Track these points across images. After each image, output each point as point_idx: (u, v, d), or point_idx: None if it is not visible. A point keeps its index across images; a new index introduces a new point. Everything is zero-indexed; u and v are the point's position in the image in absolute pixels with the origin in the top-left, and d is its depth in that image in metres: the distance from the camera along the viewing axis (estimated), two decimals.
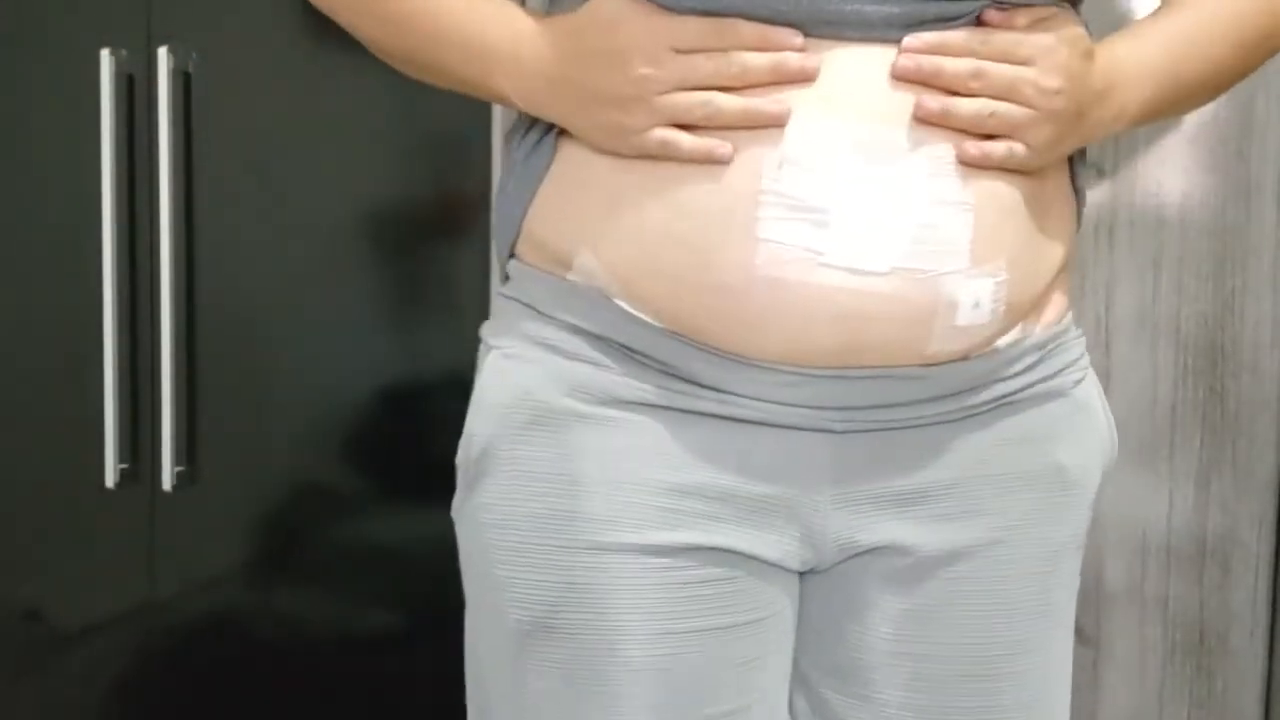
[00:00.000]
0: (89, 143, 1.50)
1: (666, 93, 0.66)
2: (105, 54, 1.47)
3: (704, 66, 0.65)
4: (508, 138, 0.79)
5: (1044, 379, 0.76)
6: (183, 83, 1.49)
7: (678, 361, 0.70)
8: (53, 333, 1.56)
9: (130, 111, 1.50)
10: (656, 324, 0.70)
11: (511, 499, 0.72)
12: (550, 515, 0.71)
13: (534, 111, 0.73)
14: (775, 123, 0.66)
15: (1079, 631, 1.41)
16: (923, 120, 0.66)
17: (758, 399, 0.70)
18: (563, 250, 0.72)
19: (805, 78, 0.66)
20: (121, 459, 1.52)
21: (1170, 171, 1.35)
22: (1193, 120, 1.34)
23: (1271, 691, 1.37)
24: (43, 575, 1.58)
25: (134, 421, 1.53)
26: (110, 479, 1.52)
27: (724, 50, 0.65)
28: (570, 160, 0.73)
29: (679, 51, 0.66)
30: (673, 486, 0.70)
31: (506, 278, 0.78)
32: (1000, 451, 0.75)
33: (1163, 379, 1.36)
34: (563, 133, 0.73)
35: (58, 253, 1.54)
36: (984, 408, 0.74)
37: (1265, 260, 1.34)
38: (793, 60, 0.65)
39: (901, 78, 0.66)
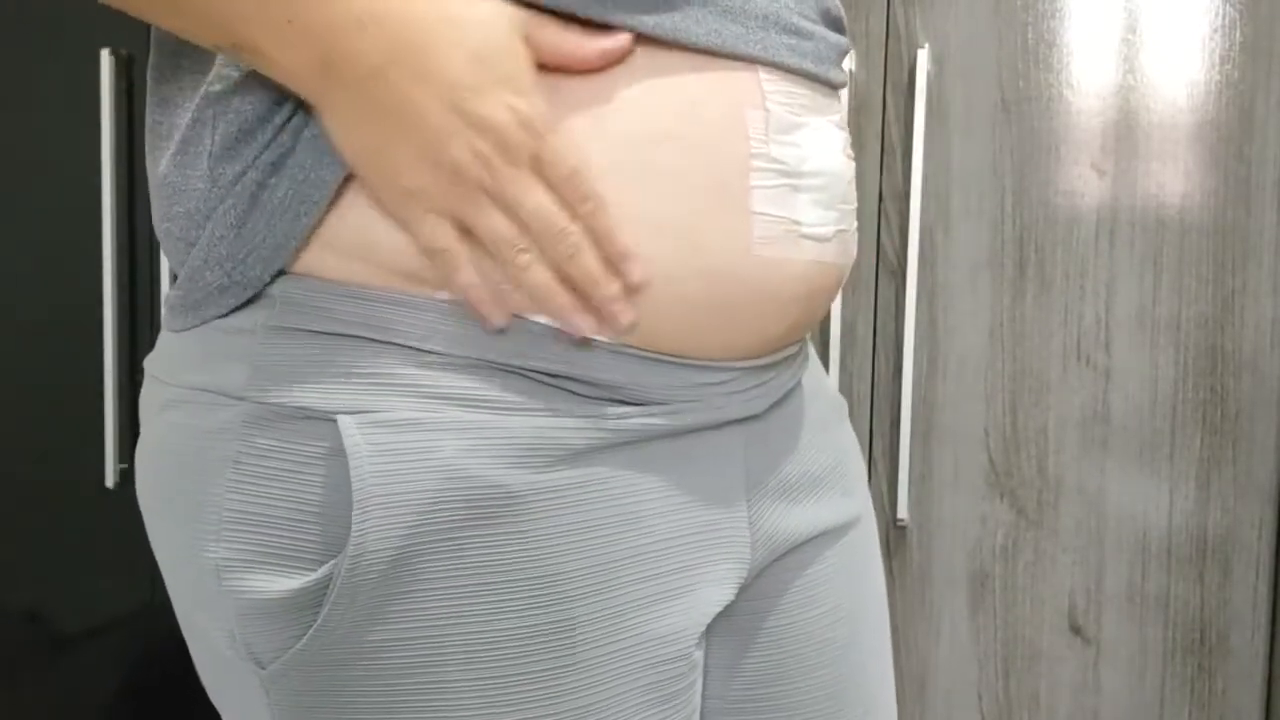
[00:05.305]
0: (89, 143, 1.50)
1: (499, 183, 0.50)
2: (105, 54, 1.47)
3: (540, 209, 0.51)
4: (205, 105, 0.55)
5: None
6: None
7: (625, 380, 0.55)
8: (53, 333, 1.56)
9: (130, 111, 1.50)
10: (598, 338, 0.54)
11: (455, 621, 0.51)
12: (529, 635, 0.51)
13: (294, 83, 0.51)
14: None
15: (1079, 631, 1.41)
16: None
17: (697, 400, 0.58)
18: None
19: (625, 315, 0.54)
20: (121, 459, 1.52)
21: (1170, 171, 1.35)
22: (1193, 120, 1.34)
23: (1271, 691, 1.37)
24: (43, 576, 1.58)
25: (134, 421, 1.53)
26: (110, 479, 1.52)
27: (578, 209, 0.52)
28: None
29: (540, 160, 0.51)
30: (659, 553, 0.56)
31: (244, 301, 0.53)
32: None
33: (1163, 379, 1.36)
34: None
35: (58, 253, 1.54)
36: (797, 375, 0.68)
37: (1265, 260, 1.34)
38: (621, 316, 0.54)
39: None
